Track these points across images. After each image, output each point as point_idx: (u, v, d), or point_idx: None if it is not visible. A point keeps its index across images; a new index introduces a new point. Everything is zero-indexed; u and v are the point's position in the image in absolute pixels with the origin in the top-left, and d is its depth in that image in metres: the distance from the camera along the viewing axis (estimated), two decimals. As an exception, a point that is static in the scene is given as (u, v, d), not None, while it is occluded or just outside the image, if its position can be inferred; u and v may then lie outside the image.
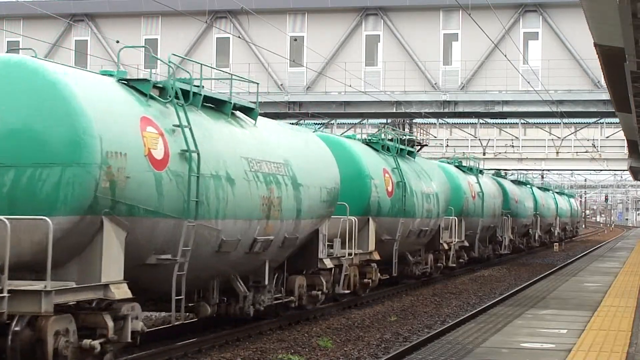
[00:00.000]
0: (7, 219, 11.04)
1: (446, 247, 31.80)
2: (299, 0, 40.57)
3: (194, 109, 14.95)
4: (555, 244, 61.96)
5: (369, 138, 26.33)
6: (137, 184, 12.68)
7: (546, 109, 38.99)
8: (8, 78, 12.24)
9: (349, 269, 21.73)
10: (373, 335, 18.61)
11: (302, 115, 42.26)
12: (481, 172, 41.42)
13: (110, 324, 12.28)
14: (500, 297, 25.35)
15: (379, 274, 24.64)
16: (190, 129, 13.97)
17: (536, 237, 55.09)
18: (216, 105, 16.13)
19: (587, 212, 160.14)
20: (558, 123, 55.42)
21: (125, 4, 42.21)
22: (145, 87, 13.88)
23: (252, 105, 17.19)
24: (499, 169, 53.49)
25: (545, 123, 59.28)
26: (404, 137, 28.90)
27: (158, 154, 13.23)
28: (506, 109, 39.69)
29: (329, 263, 20.02)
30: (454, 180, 34.63)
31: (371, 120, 52.69)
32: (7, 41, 42.64)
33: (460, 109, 39.97)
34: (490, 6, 32.43)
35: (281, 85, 40.96)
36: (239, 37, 38.46)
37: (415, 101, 39.89)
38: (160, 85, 14.22)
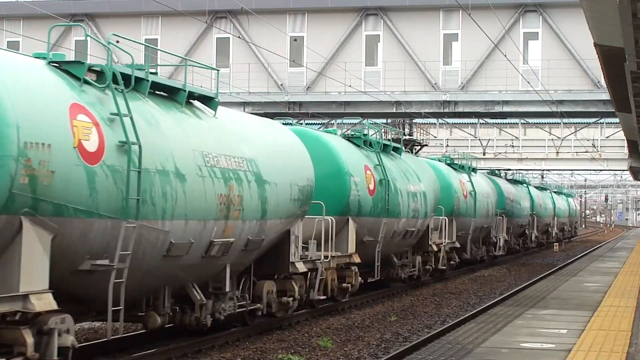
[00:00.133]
0: None
1: (435, 248, 30.03)
2: (299, 0, 40.56)
3: (140, 96, 13.42)
4: (555, 244, 61.92)
5: (351, 133, 24.66)
6: (64, 179, 11.00)
7: (546, 109, 38.97)
8: None
9: (325, 272, 20.21)
10: (373, 335, 18.60)
11: (302, 115, 42.24)
12: (474, 170, 40.12)
13: (30, 340, 10.52)
14: (500, 297, 25.34)
15: (359, 278, 23.00)
16: (131, 118, 12.28)
17: (533, 238, 54.66)
18: (169, 94, 14.60)
19: (587, 212, 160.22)
20: (558, 123, 55.41)
21: (125, 4, 42.22)
22: (79, 70, 12.15)
23: (212, 94, 15.61)
24: (499, 169, 53.38)
25: (545, 123, 59.25)
26: (390, 132, 27.48)
27: (91, 146, 11.53)
28: (506, 109, 39.66)
29: (301, 267, 18.50)
30: (445, 178, 33.12)
31: (371, 120, 52.64)
32: (7, 41, 42.63)
33: (460, 109, 39.94)
34: (490, 6, 32.43)
35: (281, 85, 40.95)
36: (239, 37, 38.46)
37: (415, 101, 39.85)
38: (98, 69, 12.56)
